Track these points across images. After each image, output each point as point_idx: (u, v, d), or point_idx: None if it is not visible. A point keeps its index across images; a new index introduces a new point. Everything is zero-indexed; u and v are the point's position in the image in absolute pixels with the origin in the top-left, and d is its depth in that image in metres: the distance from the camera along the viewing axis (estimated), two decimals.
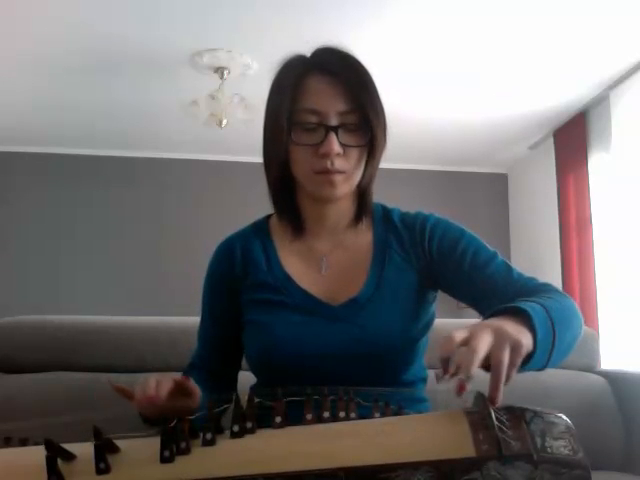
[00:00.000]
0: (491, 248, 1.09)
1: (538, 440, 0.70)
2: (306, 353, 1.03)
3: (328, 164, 1.01)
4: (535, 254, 4.76)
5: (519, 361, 0.76)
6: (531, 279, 1.03)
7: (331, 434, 0.76)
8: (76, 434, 0.79)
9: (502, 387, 0.74)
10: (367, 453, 0.72)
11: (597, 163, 3.92)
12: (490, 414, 0.72)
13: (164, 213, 4.94)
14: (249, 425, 0.77)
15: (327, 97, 1.02)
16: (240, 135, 3.90)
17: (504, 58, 3.45)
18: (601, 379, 1.71)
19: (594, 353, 1.77)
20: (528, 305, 0.83)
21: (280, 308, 1.07)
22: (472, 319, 1.14)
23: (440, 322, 1.19)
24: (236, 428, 0.77)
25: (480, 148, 4.86)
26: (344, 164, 1.02)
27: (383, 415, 0.82)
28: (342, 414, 0.81)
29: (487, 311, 1.02)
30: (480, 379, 0.75)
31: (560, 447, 0.69)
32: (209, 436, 0.76)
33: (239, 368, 1.22)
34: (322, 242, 1.12)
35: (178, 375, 0.96)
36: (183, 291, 3.89)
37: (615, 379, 1.71)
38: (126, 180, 4.92)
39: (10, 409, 1.42)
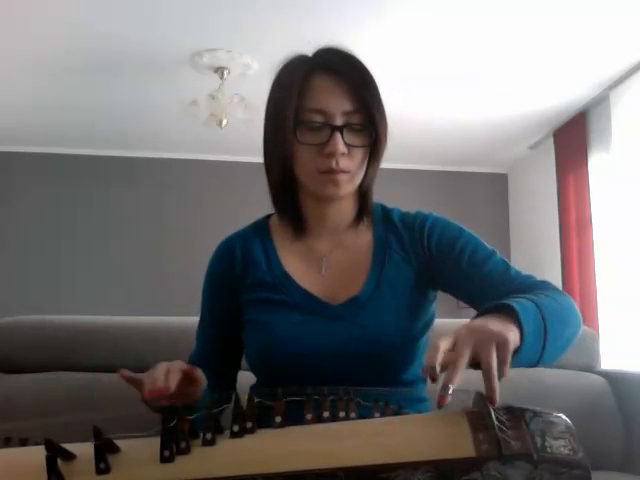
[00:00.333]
0: (489, 246, 1.09)
1: (538, 440, 0.70)
2: (306, 352, 1.03)
3: (333, 164, 1.01)
4: (535, 254, 4.76)
5: (508, 356, 0.76)
6: (529, 277, 1.04)
7: (331, 434, 0.76)
8: (76, 434, 0.79)
9: (497, 386, 0.74)
10: (367, 453, 0.72)
11: (597, 163, 3.92)
12: (490, 414, 0.72)
13: (164, 213, 4.94)
14: (249, 425, 0.77)
15: (332, 97, 1.02)
16: (240, 135, 3.90)
17: (504, 58, 3.45)
18: (601, 379, 1.71)
19: (594, 353, 1.77)
20: (514, 301, 0.84)
21: (280, 307, 1.07)
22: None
23: (440, 322, 1.19)
24: (236, 428, 0.77)
25: (480, 148, 4.86)
26: (348, 164, 1.03)
27: (383, 415, 0.82)
28: (342, 414, 0.81)
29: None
30: (474, 378, 0.75)
31: (560, 447, 0.69)
32: (209, 436, 0.76)
33: (238, 368, 1.22)
34: (322, 242, 1.12)
35: (183, 361, 0.96)
36: (183, 291, 3.89)
37: (615, 379, 1.71)
38: (126, 180, 4.92)
39: (10, 409, 1.42)
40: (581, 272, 4.01)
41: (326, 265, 1.10)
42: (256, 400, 0.81)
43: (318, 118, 1.02)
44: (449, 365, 0.73)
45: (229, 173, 4.98)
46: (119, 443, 0.76)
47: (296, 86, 1.03)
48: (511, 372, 0.77)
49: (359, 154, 1.04)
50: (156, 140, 4.74)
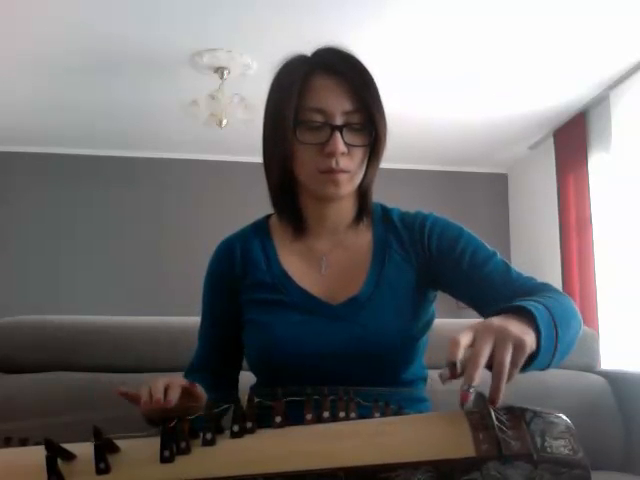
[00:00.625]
0: (490, 247, 1.09)
1: (538, 440, 0.70)
2: (306, 352, 1.03)
3: (333, 163, 1.01)
4: (535, 254, 4.76)
5: (522, 360, 0.76)
6: (530, 278, 1.04)
7: (331, 434, 0.76)
8: (76, 434, 0.79)
9: (503, 388, 0.74)
10: (367, 453, 0.72)
11: (597, 163, 3.92)
12: (490, 414, 0.72)
13: (164, 213, 4.94)
14: (249, 425, 0.77)
15: (332, 96, 1.02)
16: (240, 135, 3.90)
17: (504, 58, 3.45)
18: (601, 379, 1.71)
19: (594, 353, 1.77)
20: (531, 305, 0.83)
21: (280, 307, 1.07)
22: (472, 319, 1.14)
23: (440, 322, 1.19)
24: (236, 428, 0.77)
25: (480, 148, 4.86)
26: (348, 164, 1.03)
27: (383, 415, 0.82)
28: (342, 414, 0.81)
29: (485, 309, 1.03)
30: (481, 379, 0.75)
31: (560, 447, 0.69)
32: (209, 436, 0.76)
33: (240, 369, 1.22)
34: (322, 242, 1.12)
35: (180, 375, 0.96)
36: (183, 291, 3.90)
37: (615, 379, 1.71)
38: (126, 180, 4.92)
39: (10, 409, 1.42)
40: (581, 272, 4.01)
41: (326, 265, 1.10)
42: (256, 400, 0.81)
43: (318, 118, 1.02)
44: (469, 363, 0.73)
45: (229, 173, 4.97)
46: (119, 443, 0.76)
47: (296, 86, 1.03)
48: None
49: (359, 154, 1.04)
50: (156, 140, 4.74)
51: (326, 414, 0.80)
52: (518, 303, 0.84)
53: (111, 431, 0.76)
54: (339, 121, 1.02)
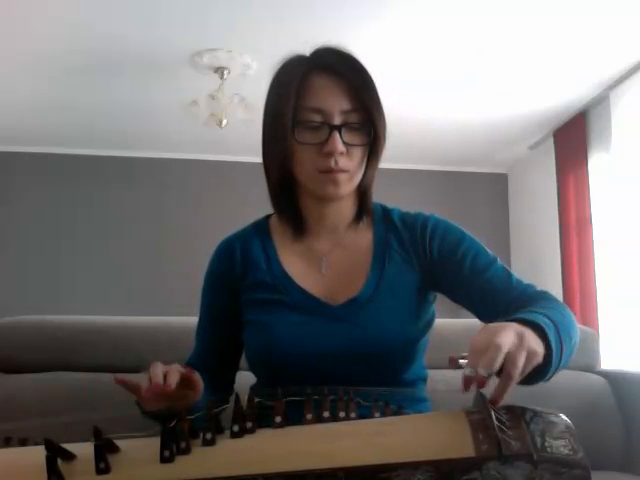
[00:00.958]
0: (491, 252, 1.09)
1: (538, 440, 0.70)
2: (305, 353, 1.03)
3: (332, 163, 1.01)
4: (535, 254, 4.76)
5: (529, 369, 0.78)
6: (530, 286, 1.04)
7: (331, 434, 0.76)
8: (76, 434, 0.79)
9: (507, 392, 0.75)
10: (367, 453, 0.72)
11: (597, 163, 3.92)
12: (490, 414, 0.72)
13: (164, 213, 4.94)
14: (249, 425, 0.77)
15: (331, 96, 1.02)
16: (240, 135, 3.89)
17: (504, 58, 3.45)
18: (601, 379, 1.71)
19: (594, 353, 1.77)
20: (541, 319, 0.84)
21: (280, 308, 1.07)
22: (471, 319, 1.14)
23: (440, 322, 1.19)
24: (236, 428, 0.77)
25: (480, 148, 4.86)
26: (347, 163, 1.03)
27: (383, 415, 0.82)
28: (342, 414, 0.81)
29: (484, 315, 1.04)
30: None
31: (560, 447, 0.69)
32: (209, 436, 0.76)
33: (237, 369, 1.22)
34: (322, 242, 1.12)
35: (180, 364, 0.96)
36: (183, 291, 3.89)
37: (615, 379, 1.71)
38: (126, 180, 4.92)
39: (10, 409, 1.42)
40: (581, 272, 4.01)
41: (326, 265, 1.10)
42: (256, 400, 0.81)
43: (316, 117, 1.02)
44: (506, 378, 0.75)
45: (229, 173, 4.97)
46: (119, 443, 0.76)
47: (294, 86, 1.03)
48: None
49: (358, 153, 1.04)
50: (156, 140, 4.73)
51: (326, 414, 0.80)
52: (530, 317, 0.84)
53: (111, 431, 0.76)
54: (337, 121, 1.01)
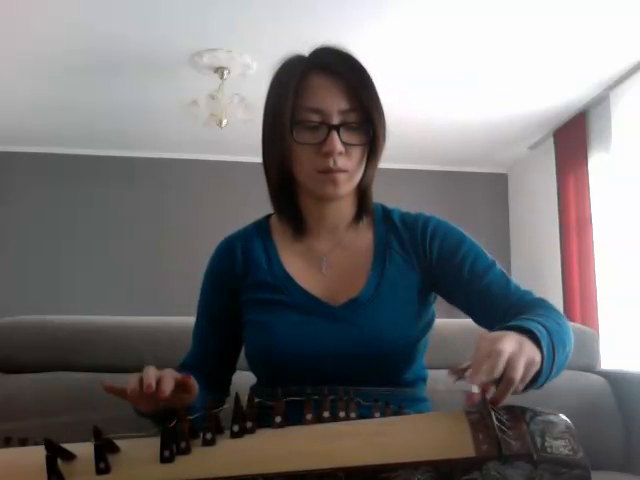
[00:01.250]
0: (490, 256, 1.10)
1: (538, 440, 0.70)
2: (306, 353, 1.03)
3: (330, 163, 1.01)
4: (535, 254, 4.76)
5: (529, 377, 0.79)
6: (528, 292, 1.05)
7: (331, 434, 0.76)
8: (76, 434, 0.79)
9: (509, 394, 0.76)
10: (367, 453, 0.72)
11: (597, 163, 3.92)
12: (490, 414, 0.72)
13: (164, 213, 4.94)
14: (249, 425, 0.77)
15: (329, 96, 1.02)
16: (240, 135, 3.89)
17: (504, 58, 3.45)
18: (601, 379, 1.71)
19: (594, 353, 1.77)
20: (536, 327, 0.85)
21: (280, 308, 1.07)
22: (471, 319, 1.14)
23: (440, 322, 1.19)
24: (236, 428, 0.77)
25: (480, 148, 4.86)
26: (346, 163, 1.03)
27: (383, 415, 0.82)
28: (342, 414, 0.81)
29: (481, 319, 1.04)
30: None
31: (560, 447, 0.69)
32: (209, 436, 0.76)
33: (234, 370, 1.21)
34: (322, 242, 1.12)
35: (172, 369, 0.94)
36: (183, 291, 3.88)
37: (615, 379, 1.71)
38: (126, 180, 4.92)
39: (10, 409, 1.42)
40: (581, 272, 4.01)
41: (326, 265, 1.10)
42: (256, 400, 0.81)
43: (315, 117, 1.02)
44: (506, 382, 0.75)
45: (229, 173, 4.97)
46: (119, 443, 0.76)
47: (292, 86, 1.03)
48: None
49: (357, 153, 1.04)
50: (156, 140, 4.73)
51: (326, 414, 0.80)
52: (525, 325, 0.85)
53: (111, 431, 0.76)
54: (336, 120, 1.01)
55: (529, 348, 0.80)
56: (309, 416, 0.80)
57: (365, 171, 1.07)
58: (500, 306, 1.01)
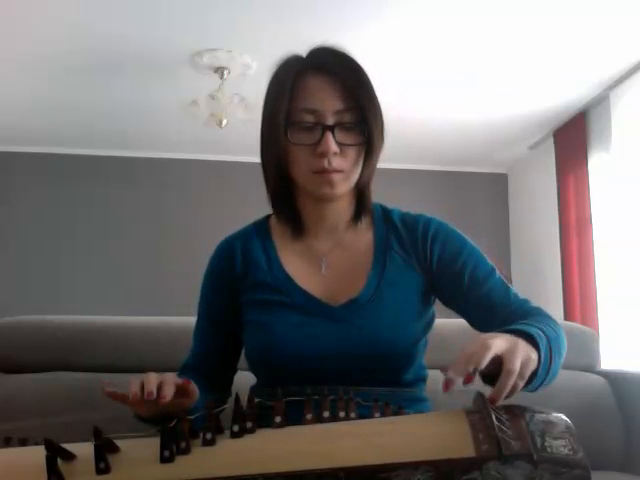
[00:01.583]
0: (489, 262, 1.10)
1: (538, 440, 0.70)
2: (306, 354, 1.02)
3: (325, 163, 1.01)
4: (535, 254, 4.76)
5: (528, 374, 0.79)
6: (525, 301, 1.05)
7: (331, 434, 0.76)
8: (76, 434, 0.79)
9: (507, 391, 0.76)
10: (367, 453, 0.72)
11: (597, 163, 3.92)
12: (490, 414, 0.72)
13: (164, 213, 4.94)
14: (249, 425, 0.77)
15: (323, 96, 1.02)
16: (240, 135, 3.89)
17: (504, 58, 3.45)
18: (601, 379, 1.71)
19: (594, 353, 1.77)
20: (534, 331, 0.86)
21: (280, 308, 1.07)
22: None
23: (440, 322, 1.19)
24: (236, 428, 0.77)
25: (480, 148, 4.86)
26: (342, 163, 1.02)
27: (383, 415, 0.82)
28: (342, 414, 0.81)
29: (479, 326, 1.05)
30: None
31: (560, 447, 0.69)
32: (209, 436, 0.76)
33: (235, 370, 1.21)
34: (322, 242, 1.12)
35: (173, 374, 0.94)
36: (183, 291, 3.88)
37: (615, 379, 1.71)
38: (126, 180, 4.92)
39: (10, 409, 1.42)
40: (581, 272, 4.01)
41: (326, 265, 1.10)
42: (256, 400, 0.81)
43: (309, 118, 1.02)
44: (505, 374, 0.76)
45: (229, 173, 4.97)
46: (119, 443, 0.76)
47: (288, 86, 1.03)
48: None
49: (352, 153, 1.03)
50: (156, 140, 4.73)
51: (326, 414, 0.80)
52: (524, 328, 0.86)
53: (111, 431, 0.76)
54: (330, 121, 1.01)
55: (524, 346, 0.81)
56: (309, 416, 0.80)
57: (362, 171, 1.07)
58: (499, 314, 1.02)
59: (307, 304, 1.06)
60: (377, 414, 0.82)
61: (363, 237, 1.13)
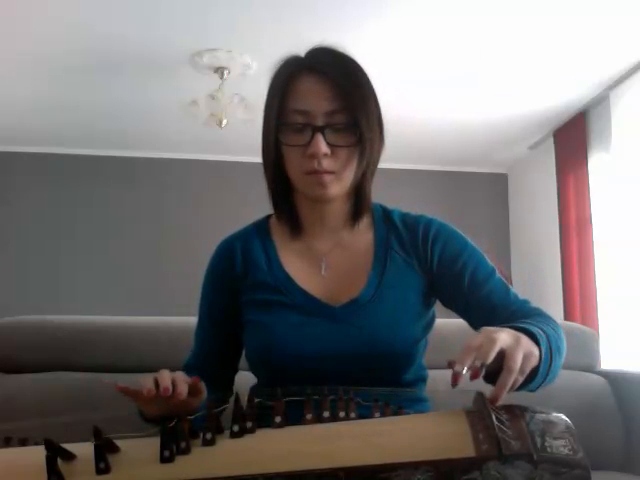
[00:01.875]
0: (490, 263, 1.10)
1: (538, 440, 0.70)
2: (306, 354, 1.03)
3: (316, 164, 1.01)
4: (535, 254, 4.76)
5: (528, 369, 0.80)
6: (526, 302, 1.06)
7: (331, 434, 0.76)
8: (76, 434, 0.79)
9: (508, 387, 0.76)
10: (367, 453, 0.72)
11: (597, 163, 3.92)
12: (490, 414, 0.72)
13: (164, 213, 4.94)
14: (249, 425, 0.77)
15: (314, 97, 1.02)
16: (240, 135, 3.89)
17: (504, 58, 3.45)
18: (601, 379, 1.71)
19: (594, 353, 1.77)
20: (535, 330, 0.86)
21: (280, 308, 1.07)
22: None
23: (440, 322, 1.19)
24: (236, 428, 0.77)
25: (480, 148, 4.86)
26: (332, 164, 1.02)
27: (383, 415, 0.82)
28: (342, 414, 0.81)
29: (480, 326, 1.05)
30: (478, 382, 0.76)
31: (560, 447, 0.69)
32: (209, 436, 0.76)
33: (236, 370, 1.21)
34: (321, 242, 1.12)
35: (182, 372, 0.95)
36: (183, 291, 3.88)
37: (615, 379, 1.71)
38: (126, 180, 4.92)
39: (10, 409, 1.42)
40: (581, 272, 4.01)
41: (326, 265, 1.10)
42: (256, 400, 0.81)
43: (300, 119, 1.02)
44: (506, 372, 0.77)
45: (229, 173, 4.97)
46: (119, 443, 0.76)
47: (281, 87, 1.04)
48: None
49: (343, 154, 1.03)
50: (156, 140, 4.73)
51: (326, 414, 0.80)
52: (525, 326, 0.87)
53: (111, 431, 0.76)
54: (321, 122, 1.01)
55: (526, 342, 0.81)
56: (309, 416, 0.80)
57: (357, 172, 1.06)
58: (500, 315, 1.02)
59: (307, 304, 1.06)
60: (377, 414, 0.81)
61: (363, 237, 1.13)
